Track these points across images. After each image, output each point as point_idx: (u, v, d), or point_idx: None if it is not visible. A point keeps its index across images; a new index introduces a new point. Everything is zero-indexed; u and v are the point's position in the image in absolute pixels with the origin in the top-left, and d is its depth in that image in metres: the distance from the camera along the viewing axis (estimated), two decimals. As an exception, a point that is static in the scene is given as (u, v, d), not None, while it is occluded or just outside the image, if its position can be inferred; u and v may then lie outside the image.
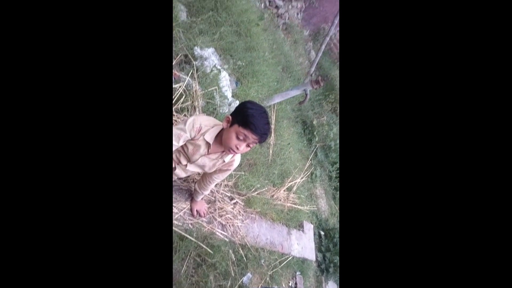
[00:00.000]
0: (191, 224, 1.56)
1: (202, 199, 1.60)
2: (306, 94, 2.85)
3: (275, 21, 4.22)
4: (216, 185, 1.82)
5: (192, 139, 1.23)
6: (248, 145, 1.17)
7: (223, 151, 1.26)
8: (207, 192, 1.54)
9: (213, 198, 1.78)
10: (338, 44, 5.95)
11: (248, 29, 2.76)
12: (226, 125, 1.18)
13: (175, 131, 1.21)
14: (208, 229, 1.61)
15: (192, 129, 1.21)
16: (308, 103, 3.97)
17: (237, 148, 1.16)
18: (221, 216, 1.75)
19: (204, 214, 1.60)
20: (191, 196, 1.61)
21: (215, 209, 1.73)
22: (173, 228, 1.45)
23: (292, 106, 3.41)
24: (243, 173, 2.06)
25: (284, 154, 2.79)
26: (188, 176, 1.59)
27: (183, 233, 1.45)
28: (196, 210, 1.58)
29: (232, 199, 1.92)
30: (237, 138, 1.14)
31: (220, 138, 1.23)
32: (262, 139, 1.15)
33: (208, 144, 1.23)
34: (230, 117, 1.17)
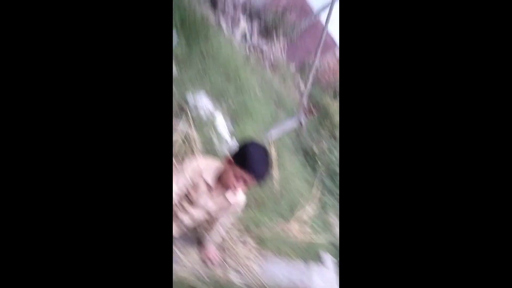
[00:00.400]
0: (205, 274, 1.50)
1: (212, 245, 1.56)
2: (301, 124, 2.92)
3: (261, 62, 4.46)
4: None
5: (192, 182, 1.24)
6: (245, 185, 1.18)
7: (225, 191, 1.26)
8: (217, 238, 1.51)
9: (223, 242, 1.73)
10: (325, 73, 6.20)
11: (237, 73, 2.91)
12: (226, 165, 1.20)
13: (174, 175, 1.22)
14: (223, 277, 1.54)
15: (191, 172, 1.22)
16: (306, 132, 4.03)
17: (235, 187, 1.18)
18: (233, 260, 1.69)
19: (214, 259, 1.55)
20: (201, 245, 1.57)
21: (227, 254, 1.68)
22: (187, 281, 1.39)
23: (291, 137, 3.46)
24: (251, 211, 2.03)
25: (290, 185, 2.77)
26: (199, 226, 1.57)
27: (198, 286, 1.39)
28: (206, 257, 1.53)
29: (243, 240, 1.86)
30: (235, 177, 1.15)
31: (221, 178, 1.24)
32: (259, 181, 1.16)
33: (209, 186, 1.24)
34: (231, 157, 1.19)
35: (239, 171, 1.14)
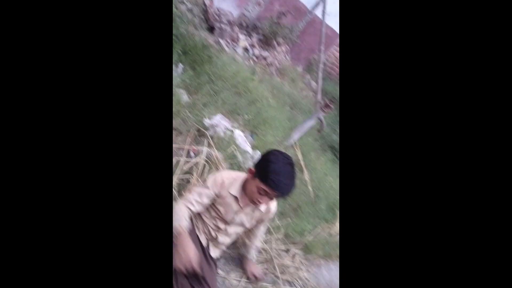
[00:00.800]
0: (256, 291, 1.45)
1: (253, 260, 1.51)
2: (321, 121, 2.85)
3: (267, 70, 4.47)
4: (266, 242, 1.73)
5: (217, 196, 1.22)
6: (270, 198, 1.13)
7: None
8: (254, 252, 1.47)
9: (268, 256, 1.69)
10: (334, 65, 6.11)
11: (246, 86, 2.93)
12: (249, 176, 1.16)
13: (198, 189, 1.21)
14: (276, 291, 1.49)
15: (214, 185, 1.20)
16: (327, 128, 3.94)
17: (259, 202, 1.13)
18: (283, 273, 1.63)
19: (260, 275, 1.50)
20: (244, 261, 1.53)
21: (275, 267, 1.62)
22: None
23: (314, 137, 3.39)
24: (289, 220, 1.97)
25: (325, 185, 2.68)
26: (235, 242, 1.54)
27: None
28: (251, 274, 1.48)
29: (288, 250, 1.80)
30: (259, 192, 1.11)
31: (245, 189, 1.20)
32: (283, 195, 1.11)
33: (235, 198, 1.21)
34: (253, 168, 1.15)
35: (261, 187, 1.08)
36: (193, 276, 1.13)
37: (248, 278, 1.48)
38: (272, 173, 1.06)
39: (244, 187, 1.20)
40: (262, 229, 1.41)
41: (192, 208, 1.20)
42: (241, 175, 1.23)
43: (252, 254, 1.47)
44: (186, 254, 1.06)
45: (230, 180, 1.21)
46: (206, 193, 1.19)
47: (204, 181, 1.25)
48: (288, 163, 1.10)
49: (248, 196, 1.17)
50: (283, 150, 2.58)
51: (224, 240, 1.32)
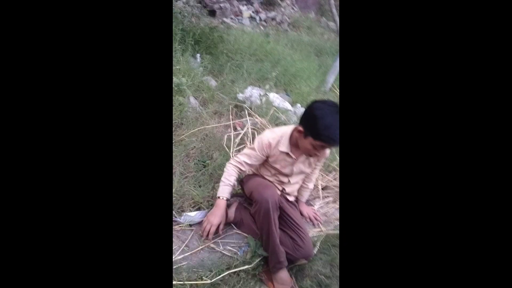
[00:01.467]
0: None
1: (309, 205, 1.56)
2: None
3: (280, 29, 4.33)
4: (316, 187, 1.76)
5: (268, 156, 1.26)
6: (327, 148, 1.16)
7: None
8: (307, 194, 1.50)
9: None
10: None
11: (264, 51, 2.90)
12: (299, 135, 1.17)
13: (247, 151, 1.27)
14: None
15: (261, 148, 1.24)
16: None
17: (316, 155, 1.16)
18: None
19: (319, 217, 1.53)
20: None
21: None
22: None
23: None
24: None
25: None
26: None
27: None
28: (309, 218, 1.51)
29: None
30: (314, 148, 1.12)
31: (294, 142, 1.22)
32: (336, 146, 1.11)
33: (287, 153, 1.24)
34: (301, 128, 1.14)
35: (316, 144, 1.09)
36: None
37: (305, 217, 1.50)
38: (323, 129, 1.04)
39: (295, 143, 1.23)
40: (316, 172, 1.44)
41: (242, 168, 1.28)
42: (286, 130, 1.25)
43: (306, 197, 1.51)
44: (212, 218, 1.21)
45: (276, 138, 1.23)
46: (255, 155, 1.25)
47: (252, 144, 1.30)
48: (335, 111, 1.06)
49: (303, 151, 1.20)
50: (323, 97, 2.55)
51: (292, 189, 1.39)
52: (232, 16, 4.06)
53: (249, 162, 1.28)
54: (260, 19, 4.38)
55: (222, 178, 1.28)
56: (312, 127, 1.08)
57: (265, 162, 1.31)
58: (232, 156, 1.67)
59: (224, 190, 1.26)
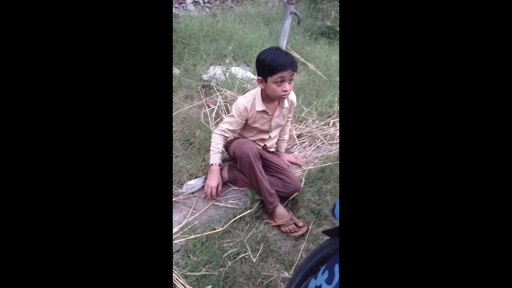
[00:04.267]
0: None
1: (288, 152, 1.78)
2: (295, 13, 2.86)
3: (225, 7, 4.38)
4: (307, 126, 1.99)
5: (248, 119, 1.43)
6: (289, 82, 1.30)
7: (278, 103, 1.43)
8: (284, 145, 1.70)
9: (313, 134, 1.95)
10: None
11: (215, 30, 3.00)
12: (262, 85, 1.34)
13: (227, 120, 1.44)
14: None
15: (239, 114, 1.40)
16: (309, 19, 3.90)
17: (285, 91, 1.30)
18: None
19: (299, 161, 1.73)
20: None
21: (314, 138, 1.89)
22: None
23: (297, 31, 3.42)
24: (316, 101, 2.19)
25: (332, 63, 2.81)
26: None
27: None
28: (289, 160, 1.70)
29: (328, 123, 2.05)
30: (277, 85, 1.28)
31: (266, 99, 1.39)
32: (294, 68, 1.26)
33: (264, 111, 1.41)
34: (260, 77, 1.32)
35: (275, 78, 1.24)
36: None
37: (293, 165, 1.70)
38: (272, 62, 1.22)
39: (264, 97, 1.39)
40: (288, 124, 1.64)
41: (225, 134, 1.46)
42: (256, 91, 1.41)
43: (284, 148, 1.72)
44: (210, 182, 1.40)
45: (250, 101, 1.39)
46: (235, 121, 1.42)
47: (230, 112, 1.47)
48: (275, 48, 1.27)
49: (272, 96, 1.35)
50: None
51: (272, 143, 1.59)
52: (176, 5, 4.06)
53: (231, 128, 1.44)
54: (204, 2, 4.39)
55: (211, 147, 1.45)
56: (265, 68, 1.26)
57: (246, 125, 1.48)
58: (213, 129, 1.84)
59: (215, 157, 1.44)
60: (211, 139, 1.47)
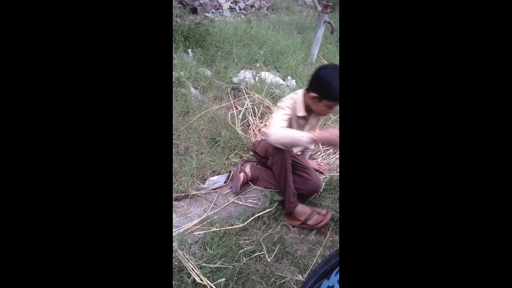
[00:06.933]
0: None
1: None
2: (329, 23, 2.87)
3: (259, 14, 4.49)
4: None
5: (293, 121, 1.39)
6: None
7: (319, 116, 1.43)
8: (310, 151, 1.73)
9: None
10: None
11: (249, 36, 3.08)
12: (313, 101, 1.30)
13: (277, 116, 1.31)
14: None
15: (293, 102, 1.36)
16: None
17: (330, 112, 1.34)
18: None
19: (323, 168, 1.73)
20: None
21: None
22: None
23: (332, 42, 3.41)
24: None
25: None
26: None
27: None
28: (312, 166, 1.68)
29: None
30: (329, 108, 1.29)
31: (307, 106, 1.36)
32: None
33: (303, 117, 1.39)
34: (314, 94, 1.27)
35: (332, 104, 1.25)
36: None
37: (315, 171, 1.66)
38: (336, 90, 1.20)
39: (307, 107, 1.36)
40: (316, 131, 1.64)
41: (285, 124, 1.29)
42: (297, 97, 1.37)
43: (307, 155, 1.71)
44: (332, 133, 1.20)
45: (293, 105, 1.36)
46: (287, 113, 1.33)
47: (279, 106, 1.37)
48: (338, 72, 1.20)
49: (317, 113, 1.35)
50: (308, 68, 2.74)
51: (299, 148, 1.61)
52: (213, 11, 4.22)
53: (286, 118, 1.31)
54: (240, 8, 4.53)
55: (293, 135, 1.24)
56: (326, 91, 1.24)
57: None
58: (238, 130, 1.89)
59: (303, 133, 1.25)
60: (279, 134, 1.24)
